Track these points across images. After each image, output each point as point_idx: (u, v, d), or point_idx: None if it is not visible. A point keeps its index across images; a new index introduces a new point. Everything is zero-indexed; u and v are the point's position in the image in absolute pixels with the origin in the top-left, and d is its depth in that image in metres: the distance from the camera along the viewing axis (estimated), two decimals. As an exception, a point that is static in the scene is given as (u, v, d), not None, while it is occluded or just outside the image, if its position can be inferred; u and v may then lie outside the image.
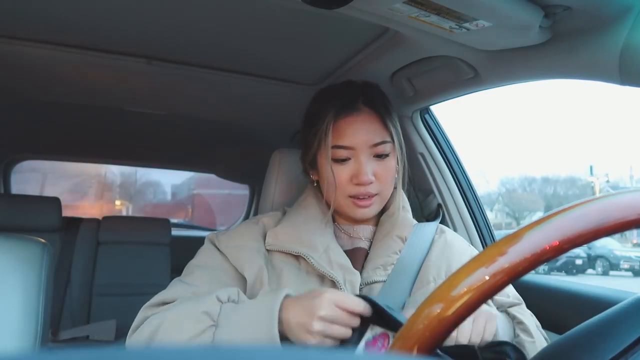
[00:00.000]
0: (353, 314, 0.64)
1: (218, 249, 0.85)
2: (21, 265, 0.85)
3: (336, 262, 0.81)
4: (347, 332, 0.64)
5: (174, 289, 0.79)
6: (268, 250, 0.84)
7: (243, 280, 0.82)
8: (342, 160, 0.84)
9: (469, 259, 0.91)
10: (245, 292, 0.80)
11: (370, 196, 0.84)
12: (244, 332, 0.67)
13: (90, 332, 1.81)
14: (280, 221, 0.89)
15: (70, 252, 1.96)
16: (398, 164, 0.89)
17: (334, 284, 0.79)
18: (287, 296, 0.69)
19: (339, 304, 0.63)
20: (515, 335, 0.79)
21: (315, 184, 0.92)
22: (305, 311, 0.65)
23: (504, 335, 0.76)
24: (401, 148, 0.89)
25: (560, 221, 0.35)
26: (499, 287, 0.34)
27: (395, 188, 0.92)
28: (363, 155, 0.84)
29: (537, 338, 0.78)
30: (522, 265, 0.34)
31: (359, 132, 0.84)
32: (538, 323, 0.87)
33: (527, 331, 0.78)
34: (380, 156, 0.85)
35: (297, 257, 0.82)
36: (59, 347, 1.72)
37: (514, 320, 0.81)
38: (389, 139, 0.86)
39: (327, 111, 0.86)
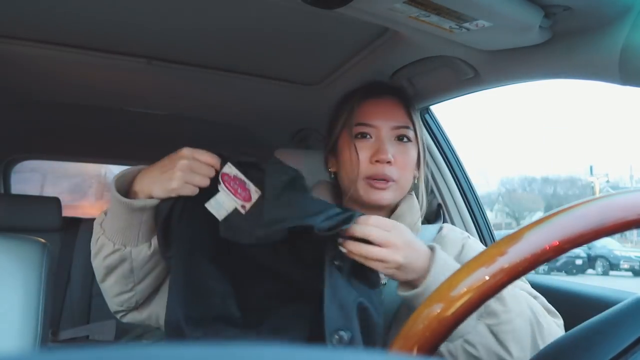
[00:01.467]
0: (208, 165, 0.71)
1: None
2: (21, 265, 0.85)
3: None
4: (205, 181, 0.70)
5: None
6: None
7: None
8: (363, 138, 0.87)
9: (458, 248, 0.89)
10: None
11: (387, 180, 0.84)
12: (112, 219, 0.74)
13: (90, 332, 1.80)
14: None
15: (70, 252, 1.96)
16: (419, 160, 0.90)
17: None
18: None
19: (195, 156, 0.71)
20: (486, 305, 0.65)
21: (333, 176, 0.94)
22: (165, 165, 0.72)
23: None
24: (423, 142, 0.92)
25: (560, 221, 0.35)
26: (499, 287, 0.34)
27: (410, 194, 0.91)
28: (384, 134, 0.86)
29: (513, 308, 0.66)
30: (522, 265, 0.34)
31: (383, 113, 0.88)
32: (533, 291, 0.79)
33: (500, 299, 0.66)
34: (401, 139, 0.88)
35: None
36: (59, 347, 1.72)
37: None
38: (410, 126, 0.89)
39: (354, 95, 0.92)
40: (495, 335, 0.65)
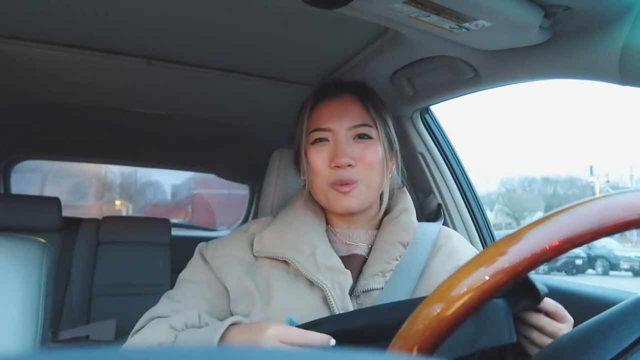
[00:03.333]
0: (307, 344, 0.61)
1: (205, 260, 0.84)
2: (21, 265, 0.85)
3: (323, 264, 0.77)
4: None
5: (159, 305, 0.79)
6: (256, 257, 0.81)
7: (227, 291, 0.80)
8: (322, 142, 0.82)
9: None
10: (230, 304, 0.79)
11: (350, 183, 0.79)
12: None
13: (90, 332, 1.80)
14: (268, 225, 0.86)
15: (70, 252, 1.96)
16: (387, 157, 0.85)
17: (320, 289, 0.76)
18: (234, 324, 0.67)
19: (282, 340, 0.61)
20: None
21: (304, 184, 0.88)
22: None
23: None
24: (388, 138, 0.85)
25: (560, 221, 0.35)
26: (499, 287, 0.34)
27: (400, 188, 0.89)
28: (341, 136, 0.81)
29: None
30: (522, 265, 0.34)
31: (337, 114, 0.82)
32: None
33: None
34: (362, 137, 0.81)
35: (285, 262, 0.79)
36: (59, 347, 1.72)
37: None
38: (371, 124, 0.82)
39: (307, 99, 0.86)
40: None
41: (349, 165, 0.79)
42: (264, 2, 0.83)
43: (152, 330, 0.73)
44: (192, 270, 0.85)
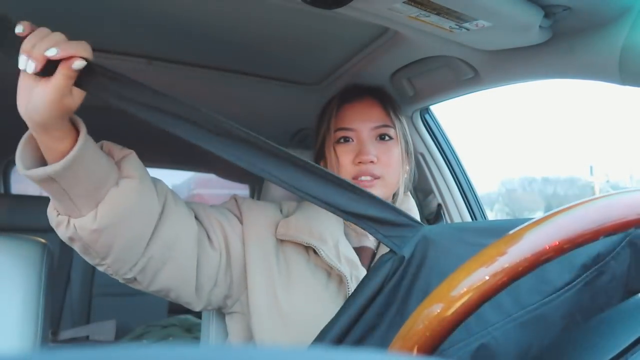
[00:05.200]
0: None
1: (238, 209, 0.86)
2: (21, 265, 0.85)
3: (345, 256, 0.81)
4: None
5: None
6: (279, 240, 0.84)
7: (239, 247, 0.80)
8: (346, 142, 0.90)
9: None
10: (234, 256, 0.80)
11: (373, 177, 0.86)
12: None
13: (90, 332, 1.81)
14: (294, 210, 0.90)
15: (70, 252, 1.96)
16: (404, 157, 0.92)
17: (340, 279, 0.79)
18: None
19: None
20: None
21: None
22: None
23: None
24: (405, 139, 0.93)
25: (560, 221, 0.35)
26: (499, 287, 0.34)
27: (405, 194, 0.93)
28: (365, 135, 0.89)
29: None
30: (522, 265, 0.34)
31: (361, 115, 0.90)
32: None
33: None
34: (382, 138, 0.90)
35: (307, 248, 0.82)
36: (59, 347, 1.72)
37: None
38: (390, 125, 0.91)
39: (333, 101, 0.95)
40: None
41: (371, 162, 0.86)
42: (264, 2, 0.83)
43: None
44: (222, 207, 0.86)
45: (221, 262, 0.78)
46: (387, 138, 0.90)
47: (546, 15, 0.73)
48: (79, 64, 0.57)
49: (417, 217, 0.93)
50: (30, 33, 0.59)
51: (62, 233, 0.66)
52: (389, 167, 0.88)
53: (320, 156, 0.96)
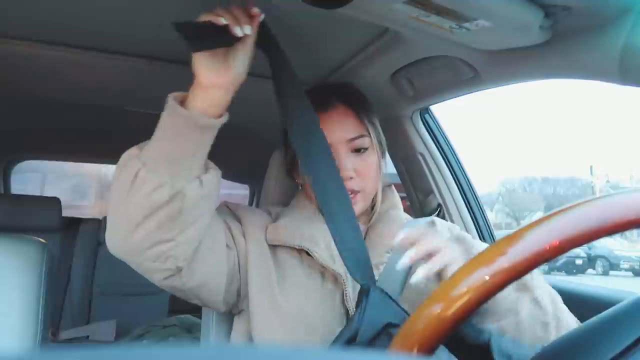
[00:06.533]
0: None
1: (233, 213, 0.86)
2: (21, 265, 0.85)
3: (338, 256, 0.80)
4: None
5: None
6: (270, 245, 0.84)
7: (243, 243, 0.81)
8: None
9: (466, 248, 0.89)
10: (237, 257, 0.80)
11: (354, 192, 0.83)
12: (161, 143, 0.68)
13: (90, 332, 1.81)
14: (280, 216, 0.89)
15: (70, 252, 1.96)
16: (380, 161, 0.89)
17: (335, 279, 0.79)
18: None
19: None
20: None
21: (300, 188, 0.92)
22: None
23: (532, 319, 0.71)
24: (380, 143, 0.89)
25: (560, 221, 0.35)
26: (499, 287, 0.34)
27: (389, 186, 0.92)
28: (340, 151, 0.84)
29: (537, 277, 0.74)
30: (522, 265, 0.34)
31: (334, 128, 0.84)
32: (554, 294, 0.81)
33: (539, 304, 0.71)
34: (358, 150, 0.85)
35: (300, 251, 0.82)
36: (59, 347, 1.72)
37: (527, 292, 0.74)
38: (365, 133, 0.86)
39: None
40: (536, 302, 0.71)
41: (350, 178, 0.83)
42: (264, 2, 0.83)
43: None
44: (217, 211, 0.84)
45: (235, 258, 0.80)
46: (362, 150, 0.85)
47: (546, 15, 0.73)
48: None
49: (402, 209, 0.93)
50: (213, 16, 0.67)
51: (164, 193, 0.64)
52: (367, 179, 0.85)
53: (295, 169, 0.91)
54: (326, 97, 0.87)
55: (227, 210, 0.87)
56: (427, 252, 0.63)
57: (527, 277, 0.70)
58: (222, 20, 0.66)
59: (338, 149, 0.84)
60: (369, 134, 0.86)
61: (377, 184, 0.88)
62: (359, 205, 0.85)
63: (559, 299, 0.77)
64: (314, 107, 0.84)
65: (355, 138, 0.85)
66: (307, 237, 0.82)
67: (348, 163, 0.83)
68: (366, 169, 0.85)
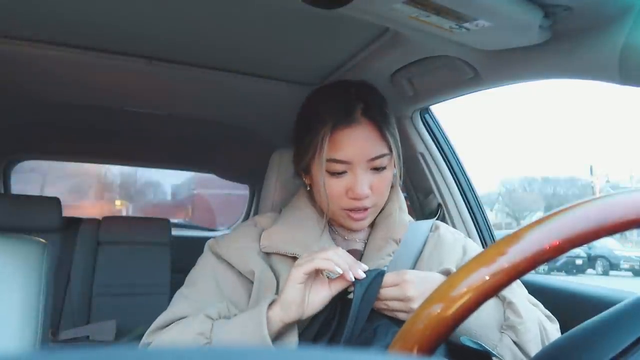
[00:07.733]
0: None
1: (219, 256, 0.85)
2: (21, 265, 0.85)
3: None
4: (336, 269, 0.69)
5: (179, 307, 0.79)
6: (265, 253, 0.84)
7: (248, 284, 0.82)
8: (338, 174, 0.81)
9: (459, 252, 0.92)
10: (250, 295, 0.80)
11: (366, 209, 0.82)
12: (236, 341, 0.69)
13: (90, 332, 1.80)
14: (275, 222, 0.89)
15: (70, 252, 1.96)
16: (395, 176, 0.88)
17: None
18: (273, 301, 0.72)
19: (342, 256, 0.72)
20: (505, 318, 0.74)
21: (308, 188, 0.90)
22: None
23: (492, 318, 0.74)
24: (399, 156, 0.86)
25: (560, 221, 0.35)
26: (499, 287, 0.34)
27: (392, 187, 0.91)
28: (360, 169, 0.80)
29: (527, 317, 0.74)
30: (522, 265, 0.34)
31: (356, 146, 0.79)
32: (532, 298, 0.85)
33: (516, 312, 0.73)
34: (377, 169, 0.82)
35: (294, 258, 0.81)
36: (59, 347, 1.72)
37: (504, 301, 0.76)
38: (387, 151, 0.82)
39: (323, 121, 0.80)
40: (519, 345, 0.72)
41: (366, 197, 0.82)
42: (264, 2, 0.83)
43: (187, 322, 0.74)
44: (206, 266, 0.85)
45: (248, 293, 0.82)
46: (381, 169, 0.82)
47: (546, 15, 0.73)
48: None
49: (406, 212, 0.93)
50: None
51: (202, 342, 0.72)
52: (381, 195, 0.84)
53: (306, 172, 0.88)
54: (350, 107, 0.81)
55: (211, 255, 0.87)
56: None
57: (517, 320, 0.73)
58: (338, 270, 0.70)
59: (357, 166, 0.80)
60: (390, 151, 0.82)
61: (387, 196, 0.87)
62: (369, 220, 0.85)
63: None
64: (336, 120, 0.79)
65: (377, 157, 0.81)
66: (301, 242, 0.82)
67: (365, 181, 0.80)
68: (382, 185, 0.83)
